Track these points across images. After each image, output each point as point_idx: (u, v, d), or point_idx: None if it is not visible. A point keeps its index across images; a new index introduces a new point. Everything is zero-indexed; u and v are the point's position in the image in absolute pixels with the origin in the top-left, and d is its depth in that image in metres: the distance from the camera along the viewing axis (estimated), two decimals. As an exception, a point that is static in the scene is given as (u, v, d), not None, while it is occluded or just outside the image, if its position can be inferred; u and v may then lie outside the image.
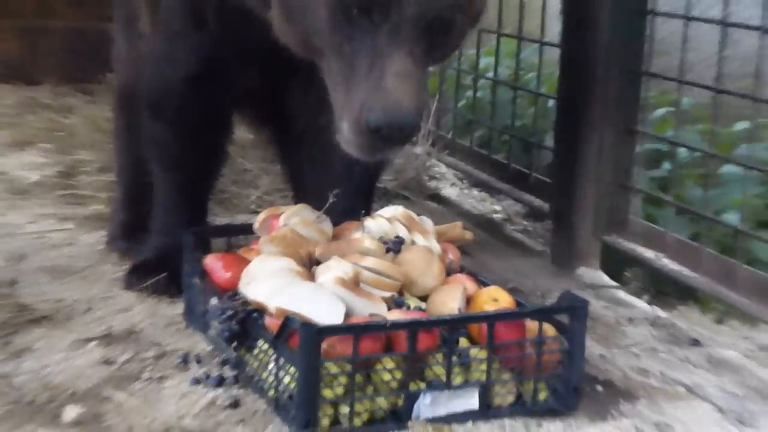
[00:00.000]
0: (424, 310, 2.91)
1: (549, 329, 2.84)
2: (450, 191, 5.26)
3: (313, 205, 3.31)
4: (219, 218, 4.32)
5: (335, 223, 3.27)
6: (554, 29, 4.24)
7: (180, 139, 3.52)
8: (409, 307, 2.89)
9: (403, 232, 3.16)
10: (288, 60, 3.10)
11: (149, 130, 3.58)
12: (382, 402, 2.67)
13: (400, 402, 2.68)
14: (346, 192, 3.37)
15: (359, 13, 2.65)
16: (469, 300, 2.97)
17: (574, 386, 2.84)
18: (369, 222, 3.17)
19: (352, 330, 2.61)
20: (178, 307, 3.39)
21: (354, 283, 2.82)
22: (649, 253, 3.81)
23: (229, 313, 2.90)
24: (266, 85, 3.32)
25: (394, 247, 3.08)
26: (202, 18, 3.30)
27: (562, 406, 2.83)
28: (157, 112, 3.51)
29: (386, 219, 3.18)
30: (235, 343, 2.93)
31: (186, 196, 3.61)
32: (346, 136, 2.74)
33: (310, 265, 3.04)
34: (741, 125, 5.01)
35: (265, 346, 2.81)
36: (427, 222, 3.31)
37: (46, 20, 5.94)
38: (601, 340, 3.44)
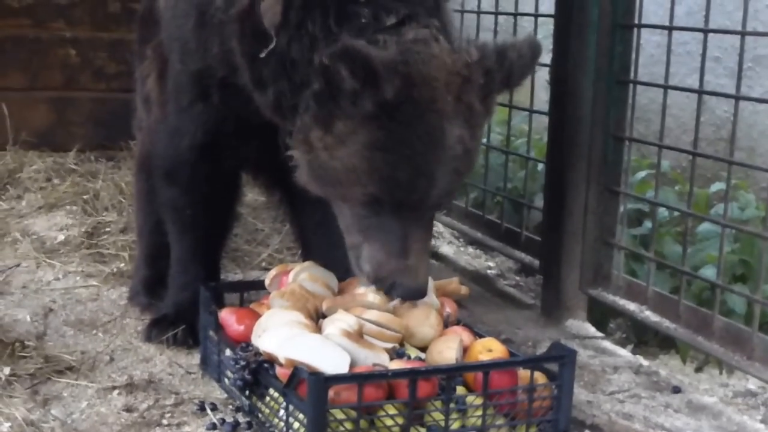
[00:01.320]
0: (423, 360, 2.91)
1: (540, 377, 2.84)
2: (447, 249, 5.27)
3: (320, 262, 3.32)
4: (232, 274, 4.32)
5: (340, 279, 3.27)
6: (542, 98, 4.27)
7: (192, 203, 3.53)
8: (409, 357, 2.89)
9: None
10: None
11: (164, 195, 3.60)
12: (385, 446, 2.66)
13: (402, 446, 2.68)
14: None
15: (390, 207, 2.84)
16: (465, 350, 2.97)
17: (563, 430, 2.83)
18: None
19: (356, 379, 2.61)
20: (195, 358, 3.39)
21: (358, 335, 2.82)
22: (631, 306, 3.80)
23: (242, 363, 2.90)
24: (271, 153, 3.35)
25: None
26: (207, 93, 3.31)
27: (552, 449, 2.83)
28: (170, 179, 3.53)
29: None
30: (248, 392, 2.93)
31: (200, 254, 3.62)
32: (364, 278, 2.99)
33: (317, 317, 3.04)
34: (716, 186, 5.03)
35: (276, 394, 2.80)
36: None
37: (73, 92, 5.96)
38: (588, 386, 3.43)
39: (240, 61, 2.99)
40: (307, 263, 3.31)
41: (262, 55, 2.85)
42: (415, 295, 2.96)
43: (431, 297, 3.19)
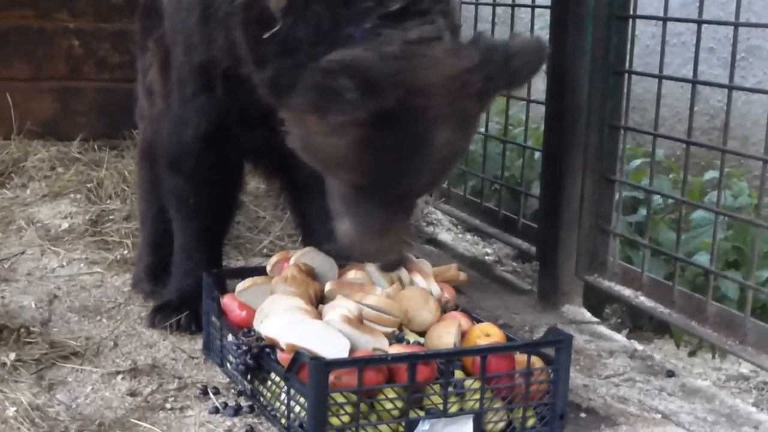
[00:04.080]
0: (422, 345, 2.92)
1: (536, 361, 2.84)
2: (446, 236, 5.27)
3: (320, 249, 3.32)
4: (234, 261, 4.32)
5: (340, 265, 3.28)
6: (539, 88, 4.26)
7: (196, 191, 3.54)
8: (408, 342, 2.90)
9: (403, 273, 3.17)
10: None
11: (168, 184, 3.60)
12: (385, 429, 2.67)
13: (401, 429, 2.68)
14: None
15: (374, 195, 2.90)
16: (463, 335, 2.97)
17: (560, 413, 2.84)
18: (370, 267, 3.18)
19: (356, 363, 2.62)
20: (197, 343, 3.40)
21: (358, 320, 2.83)
22: (627, 292, 3.81)
23: (244, 348, 2.91)
24: (273, 142, 3.35)
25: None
26: (211, 84, 3.31)
27: (549, 431, 2.83)
28: (174, 168, 3.54)
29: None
30: (249, 376, 2.94)
31: (203, 242, 3.62)
32: (346, 246, 3.06)
33: (317, 303, 3.05)
34: (710, 174, 5.03)
35: (278, 379, 2.81)
36: (425, 264, 3.32)
37: (77, 82, 5.95)
38: (584, 370, 3.44)
39: (243, 47, 2.99)
40: (307, 249, 3.31)
41: (266, 36, 2.84)
42: (391, 267, 3.14)
43: (431, 283, 3.20)
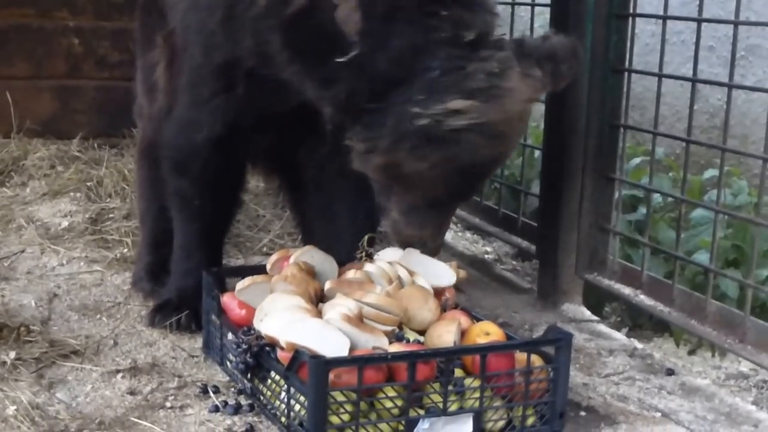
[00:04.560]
0: (422, 343, 2.92)
1: (536, 360, 2.84)
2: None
3: (320, 247, 3.32)
4: (234, 260, 4.32)
5: (339, 263, 3.28)
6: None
7: (201, 193, 3.50)
8: (408, 341, 2.90)
9: (403, 273, 3.17)
10: (307, 121, 3.22)
11: (172, 185, 3.56)
12: (385, 428, 2.67)
13: (401, 428, 2.68)
14: (351, 236, 3.39)
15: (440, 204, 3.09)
16: (463, 334, 2.97)
17: (560, 412, 2.84)
18: (369, 266, 3.18)
19: (356, 362, 2.62)
20: (197, 342, 3.39)
21: (358, 319, 2.82)
22: (626, 290, 3.81)
23: (244, 347, 2.90)
24: (281, 141, 3.36)
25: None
26: (232, 84, 3.28)
27: (549, 430, 2.83)
28: (180, 170, 3.50)
29: (387, 262, 3.20)
30: (249, 375, 2.94)
31: (205, 241, 3.60)
32: (393, 234, 3.19)
33: (317, 301, 3.05)
34: (710, 173, 5.03)
35: (278, 377, 2.81)
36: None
37: (77, 80, 5.95)
38: (584, 369, 3.44)
39: (289, 55, 3.00)
40: (307, 247, 3.31)
41: (342, 59, 2.83)
42: (433, 253, 3.26)
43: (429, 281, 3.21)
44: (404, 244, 3.21)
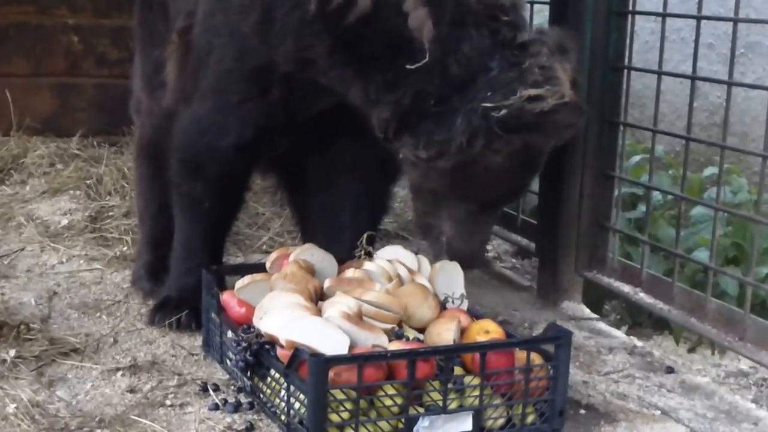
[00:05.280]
0: (421, 341, 2.92)
1: (536, 358, 2.84)
2: (444, 232, 5.26)
3: (320, 245, 3.32)
4: (234, 258, 4.32)
5: (339, 261, 3.28)
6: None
7: (213, 195, 3.47)
8: (408, 339, 2.90)
9: (403, 271, 3.17)
10: (331, 124, 3.32)
11: (182, 187, 3.50)
12: (385, 425, 2.67)
13: (401, 425, 2.68)
14: (352, 235, 3.39)
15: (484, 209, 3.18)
16: (462, 332, 2.97)
17: (560, 410, 2.84)
18: (369, 265, 3.18)
19: (356, 360, 2.62)
20: (197, 340, 3.40)
21: (357, 317, 2.83)
22: (626, 288, 3.81)
23: (244, 345, 2.90)
24: (295, 142, 3.37)
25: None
26: (266, 88, 3.25)
27: (548, 428, 2.84)
28: (194, 173, 3.44)
29: (387, 260, 3.20)
30: (249, 373, 2.94)
31: (208, 241, 3.58)
32: (449, 251, 3.24)
33: (316, 299, 3.05)
34: (709, 170, 5.03)
35: (277, 375, 2.81)
36: (425, 261, 3.32)
37: (76, 78, 5.95)
38: (584, 367, 3.44)
39: (340, 60, 3.03)
40: (307, 245, 3.31)
41: (413, 66, 2.88)
42: (473, 266, 3.41)
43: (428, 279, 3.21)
44: (462, 260, 3.23)
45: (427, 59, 2.86)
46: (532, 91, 2.80)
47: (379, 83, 2.97)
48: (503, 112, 2.79)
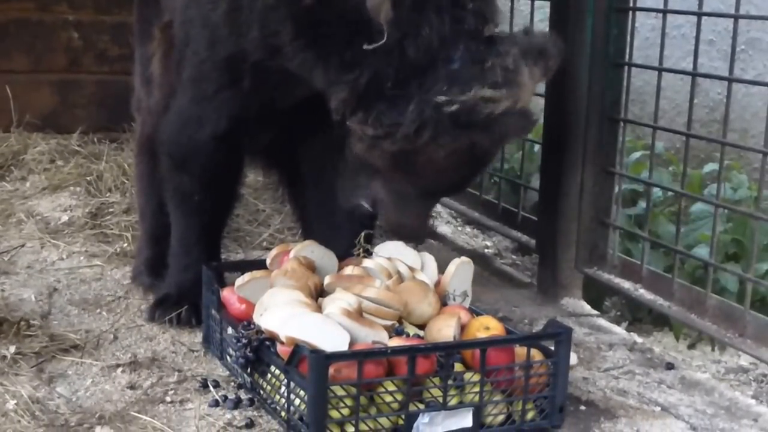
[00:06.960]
0: (422, 338, 2.92)
1: (536, 354, 2.85)
2: (445, 228, 5.27)
3: (320, 241, 3.32)
4: (234, 254, 4.32)
5: (339, 258, 3.28)
6: (539, 81, 4.25)
7: (201, 189, 3.49)
8: (408, 335, 2.90)
9: (403, 268, 3.17)
10: (309, 116, 3.25)
11: (172, 182, 3.54)
12: (385, 422, 2.67)
13: (401, 422, 2.68)
14: (350, 231, 3.39)
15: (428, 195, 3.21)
16: (462, 328, 2.97)
17: (560, 406, 2.84)
18: (369, 261, 3.18)
19: (356, 356, 2.62)
20: (197, 336, 3.40)
21: (357, 313, 2.83)
22: (626, 284, 3.81)
23: (244, 341, 2.91)
24: (282, 135, 3.35)
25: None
26: (238, 78, 3.26)
27: (548, 424, 2.84)
28: (181, 167, 3.48)
29: (387, 257, 3.20)
30: (249, 369, 2.94)
31: (204, 236, 3.59)
32: (386, 221, 3.32)
33: (317, 296, 3.05)
34: (709, 167, 5.03)
35: (277, 372, 2.81)
36: (428, 257, 3.33)
37: (76, 74, 5.95)
38: (584, 363, 3.44)
39: (302, 44, 3.00)
40: (307, 242, 3.31)
41: (369, 47, 2.85)
42: (418, 241, 3.45)
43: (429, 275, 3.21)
44: (396, 232, 3.27)
45: (384, 40, 2.84)
46: (488, 92, 2.79)
47: (336, 64, 2.95)
48: (455, 107, 2.78)
